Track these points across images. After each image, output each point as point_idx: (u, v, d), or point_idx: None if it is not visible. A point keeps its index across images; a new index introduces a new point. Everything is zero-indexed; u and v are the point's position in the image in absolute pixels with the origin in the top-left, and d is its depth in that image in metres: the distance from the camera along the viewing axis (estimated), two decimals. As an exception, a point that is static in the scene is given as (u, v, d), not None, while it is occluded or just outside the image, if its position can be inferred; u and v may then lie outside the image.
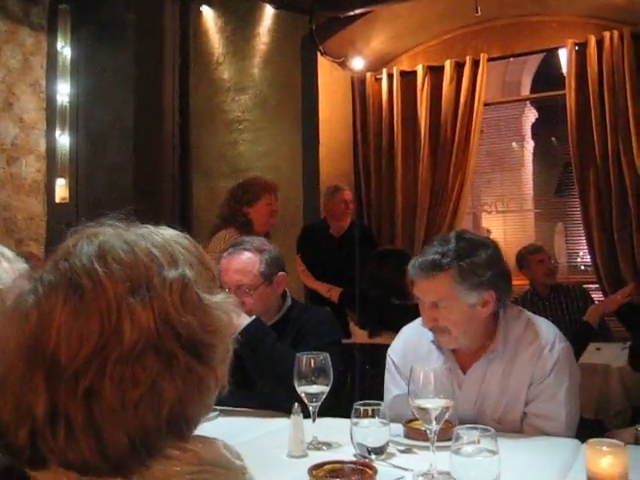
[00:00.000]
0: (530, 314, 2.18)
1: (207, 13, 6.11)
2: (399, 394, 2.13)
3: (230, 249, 2.50)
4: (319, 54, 5.66)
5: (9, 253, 1.46)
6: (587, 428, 2.15)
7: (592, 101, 5.20)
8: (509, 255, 4.40)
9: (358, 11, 5.28)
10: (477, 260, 2.00)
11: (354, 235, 4.74)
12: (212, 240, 3.94)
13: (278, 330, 2.41)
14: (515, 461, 1.66)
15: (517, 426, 2.06)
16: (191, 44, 6.18)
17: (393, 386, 2.24)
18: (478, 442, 1.47)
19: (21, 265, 1.47)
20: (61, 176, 6.00)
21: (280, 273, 2.51)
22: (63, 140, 6.04)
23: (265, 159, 5.85)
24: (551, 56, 6.29)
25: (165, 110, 6.07)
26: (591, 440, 1.59)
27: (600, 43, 5.21)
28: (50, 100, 6.04)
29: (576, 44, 5.32)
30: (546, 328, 2.12)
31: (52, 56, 6.03)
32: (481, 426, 1.50)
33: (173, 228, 0.92)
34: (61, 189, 5.98)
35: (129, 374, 0.76)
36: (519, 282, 4.84)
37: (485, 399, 2.09)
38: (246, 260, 2.44)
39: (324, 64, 5.76)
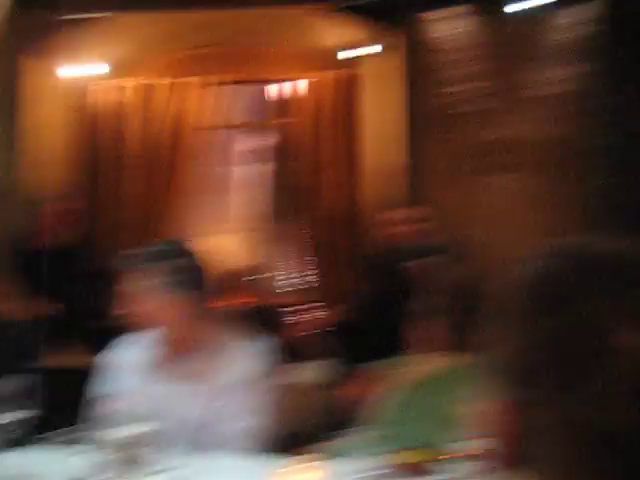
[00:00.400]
0: (235, 330, 2.31)
1: None
2: None
3: None
4: (25, 58, 5.21)
5: None
6: (286, 443, 2.25)
7: (306, 133, 5.54)
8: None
9: (72, 16, 5.00)
10: (175, 263, 2.14)
11: (59, 251, 4.47)
12: None
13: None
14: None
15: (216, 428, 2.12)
16: None
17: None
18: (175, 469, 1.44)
19: None
20: None
21: None
22: None
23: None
24: (275, 86, 6.57)
25: None
26: (292, 458, 1.66)
27: (315, 81, 5.60)
28: None
29: (292, 78, 5.64)
30: (246, 340, 2.27)
31: None
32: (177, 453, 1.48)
33: None
34: None
35: None
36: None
37: (193, 392, 2.16)
38: None
39: (31, 68, 5.31)
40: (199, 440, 2.12)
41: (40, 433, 1.69)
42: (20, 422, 1.73)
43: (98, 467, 1.81)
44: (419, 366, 2.20)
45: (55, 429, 1.62)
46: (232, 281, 4.71)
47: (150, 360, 2.23)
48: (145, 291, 2.12)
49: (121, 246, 5.44)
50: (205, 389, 2.17)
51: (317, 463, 1.60)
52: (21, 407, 1.74)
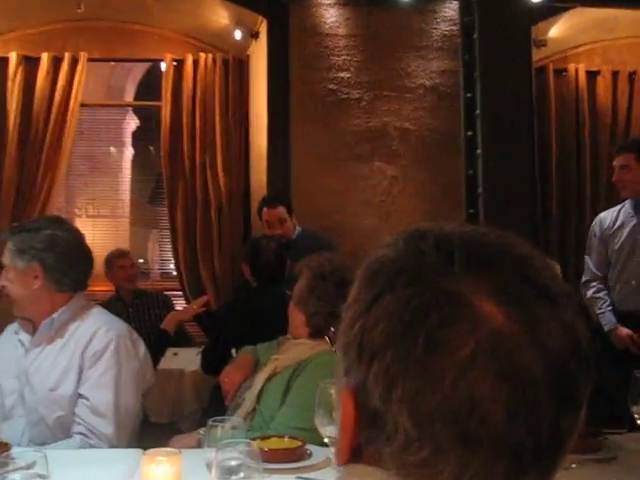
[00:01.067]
0: (98, 309, 2.27)
1: None
2: None
3: None
4: None
5: None
6: (161, 432, 2.22)
7: (185, 116, 5.44)
8: (99, 259, 4.34)
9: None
10: (34, 233, 2.12)
11: None
12: None
13: None
14: (74, 477, 1.60)
15: (71, 401, 2.07)
16: None
17: None
18: (30, 467, 1.38)
19: None
20: None
21: None
22: None
23: None
24: (156, 67, 6.41)
25: None
26: (149, 450, 1.63)
27: (196, 63, 5.49)
28: None
29: (174, 60, 5.52)
30: (105, 317, 2.23)
31: None
32: (33, 449, 1.43)
33: None
34: None
35: None
36: (106, 287, 4.83)
37: (41, 367, 2.10)
38: None
39: None
40: (45, 432, 2.06)
41: None
42: None
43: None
44: (290, 351, 2.22)
45: None
46: (106, 264, 4.60)
47: (18, 344, 2.18)
48: (9, 261, 2.12)
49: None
50: (65, 361, 2.10)
51: (177, 454, 1.58)
52: None
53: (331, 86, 4.88)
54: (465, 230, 0.67)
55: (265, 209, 4.14)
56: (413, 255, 0.65)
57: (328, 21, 4.92)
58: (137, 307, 4.60)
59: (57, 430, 2.06)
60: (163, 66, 5.64)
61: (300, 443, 1.91)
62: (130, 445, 2.06)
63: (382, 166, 4.84)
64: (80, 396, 2.07)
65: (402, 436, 0.60)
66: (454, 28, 4.86)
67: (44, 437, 2.04)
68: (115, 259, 4.62)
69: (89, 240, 5.81)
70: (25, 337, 2.18)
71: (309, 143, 4.83)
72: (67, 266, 2.15)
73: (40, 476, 1.36)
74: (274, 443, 1.91)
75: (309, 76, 4.88)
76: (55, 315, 2.12)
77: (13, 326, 2.27)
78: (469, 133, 4.40)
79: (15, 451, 1.40)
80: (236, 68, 5.54)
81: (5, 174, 5.28)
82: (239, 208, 5.39)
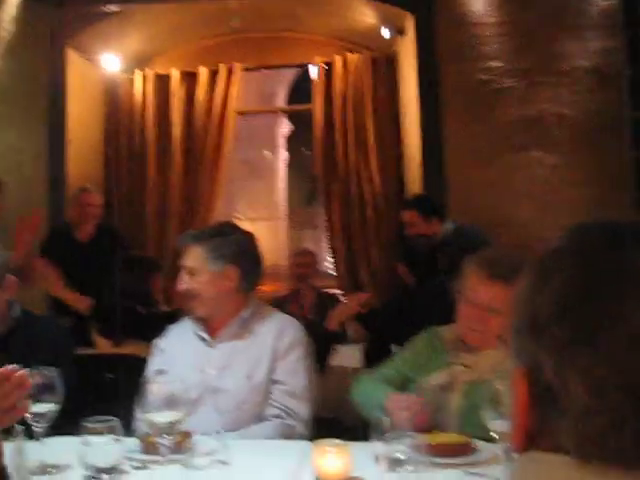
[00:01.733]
0: (270, 306, 2.47)
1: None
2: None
3: None
4: (69, 49, 5.37)
5: None
6: (325, 426, 2.28)
7: (336, 117, 5.54)
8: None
9: (112, 8, 5.10)
10: (225, 240, 2.28)
11: (102, 241, 4.54)
12: None
13: (6, 344, 2.23)
14: (248, 465, 1.69)
15: (264, 387, 2.22)
16: None
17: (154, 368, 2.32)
18: (212, 454, 1.47)
19: None
20: None
21: (10, 277, 2.33)
22: None
23: (7, 155, 5.41)
24: (305, 71, 6.59)
25: None
26: (318, 441, 1.68)
27: (345, 63, 5.57)
28: None
29: (324, 62, 5.64)
30: (288, 317, 2.40)
31: None
32: (215, 437, 1.52)
33: None
34: None
35: None
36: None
37: (233, 360, 2.25)
38: None
39: (75, 60, 5.47)
40: (240, 418, 2.18)
41: (78, 422, 1.73)
42: (45, 414, 1.76)
43: (135, 454, 1.86)
44: (482, 362, 2.12)
45: (101, 414, 1.65)
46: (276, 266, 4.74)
47: (198, 341, 2.33)
48: (200, 265, 2.24)
49: (167, 233, 5.58)
50: (255, 354, 2.25)
51: (345, 445, 1.62)
52: (51, 398, 1.77)
53: (483, 76, 4.76)
54: (635, 221, 0.70)
55: (401, 211, 4.33)
56: (583, 241, 0.68)
57: (476, 9, 4.81)
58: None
59: (250, 416, 2.19)
60: (313, 70, 5.78)
61: (467, 438, 1.89)
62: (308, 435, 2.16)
63: (540, 155, 4.66)
64: (275, 382, 2.23)
65: (579, 407, 0.61)
66: (614, 2, 4.59)
67: (238, 424, 2.16)
68: (294, 257, 4.77)
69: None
70: (203, 334, 2.32)
71: (462, 137, 4.74)
72: (255, 268, 2.35)
73: (221, 462, 1.45)
74: (441, 437, 1.91)
75: (459, 68, 4.79)
76: (243, 314, 2.30)
77: (186, 324, 2.41)
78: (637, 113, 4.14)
79: (198, 438, 1.50)
80: (384, 66, 5.56)
81: (172, 182, 5.64)
82: (394, 206, 5.40)
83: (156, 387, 1.70)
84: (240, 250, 2.30)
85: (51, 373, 1.80)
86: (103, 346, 3.40)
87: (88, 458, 1.64)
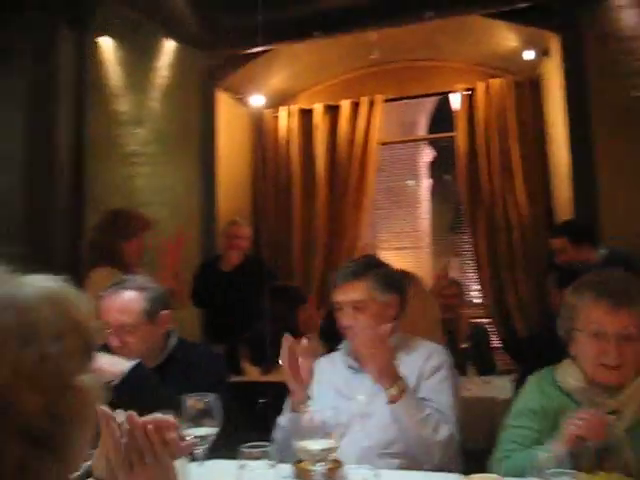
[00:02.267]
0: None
1: (106, 43, 6.01)
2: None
3: (111, 288, 2.43)
4: (218, 90, 5.67)
5: None
6: (476, 458, 2.22)
7: (480, 142, 5.46)
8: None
9: (258, 49, 5.34)
10: (385, 270, 2.37)
11: (248, 271, 4.72)
12: (89, 282, 3.53)
13: (162, 372, 2.36)
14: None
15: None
16: (88, 74, 6.06)
17: None
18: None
19: None
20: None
21: (164, 312, 2.47)
22: (-53, 170, 5.75)
23: (163, 194, 5.77)
24: (445, 98, 6.56)
25: (58, 142, 5.89)
26: (471, 476, 1.64)
27: (487, 89, 5.49)
28: None
29: (466, 89, 5.59)
30: (435, 344, 2.41)
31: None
32: (367, 466, 1.52)
33: (55, 275, 0.83)
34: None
35: None
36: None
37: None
38: (128, 299, 2.39)
39: (224, 100, 5.77)
40: (386, 440, 2.19)
41: (227, 447, 1.79)
42: (206, 437, 1.83)
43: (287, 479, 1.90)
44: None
45: (245, 442, 1.70)
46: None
47: (347, 370, 2.37)
48: (368, 298, 2.28)
49: (312, 264, 5.70)
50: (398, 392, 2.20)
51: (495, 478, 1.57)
52: (210, 423, 1.84)
53: (635, 93, 4.53)
54: None
55: (550, 238, 4.27)
56: None
57: (625, 24, 4.60)
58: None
59: (396, 438, 2.19)
60: (454, 97, 5.74)
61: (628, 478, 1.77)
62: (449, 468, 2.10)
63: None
64: (422, 400, 2.22)
65: None
66: None
67: (385, 445, 2.18)
68: (444, 288, 4.64)
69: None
70: (354, 363, 2.35)
71: (616, 157, 4.52)
72: (406, 296, 2.40)
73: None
74: (603, 478, 1.80)
75: (610, 85, 4.58)
76: (390, 342, 2.27)
77: (334, 355, 2.47)
78: None
79: (350, 467, 1.51)
80: (528, 89, 5.44)
81: (317, 213, 5.77)
82: (542, 231, 5.21)
83: (308, 415, 1.72)
84: (397, 279, 2.38)
85: (209, 398, 1.88)
86: (252, 373, 3.50)
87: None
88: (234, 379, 3.30)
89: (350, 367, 2.37)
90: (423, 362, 2.29)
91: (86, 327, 0.80)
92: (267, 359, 3.51)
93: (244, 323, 4.40)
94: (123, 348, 2.34)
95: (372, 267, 2.35)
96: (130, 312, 2.37)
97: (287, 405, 2.32)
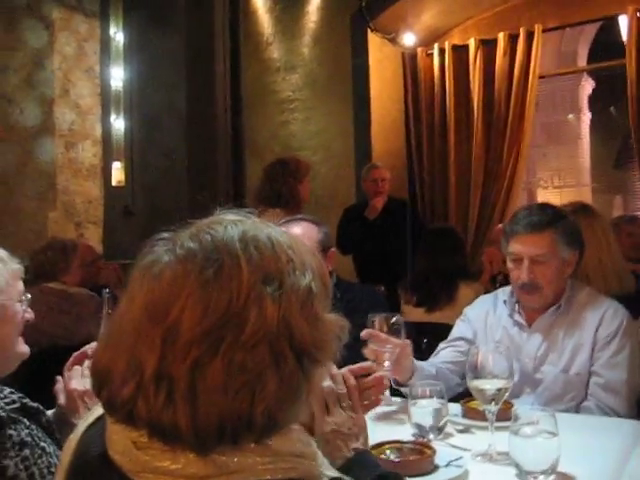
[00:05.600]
0: (588, 290, 2.26)
1: (256, -7, 6.10)
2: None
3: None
4: (369, 31, 5.61)
5: (2, 253, 1.48)
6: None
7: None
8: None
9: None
10: (570, 222, 2.19)
11: (392, 214, 4.72)
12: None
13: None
14: (574, 442, 1.61)
15: (583, 379, 2.11)
16: (241, 25, 6.19)
17: (458, 333, 2.36)
18: (537, 423, 1.45)
19: (15, 266, 1.51)
20: (117, 160, 6.12)
21: (332, 249, 2.53)
22: (118, 124, 6.15)
23: (317, 138, 5.85)
24: (609, 24, 6.10)
25: (217, 92, 6.11)
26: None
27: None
28: (104, 85, 6.14)
29: (637, 10, 5.13)
30: (609, 300, 2.21)
31: (105, 42, 6.13)
32: (540, 407, 1.49)
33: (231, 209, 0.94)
34: (117, 172, 6.10)
35: (239, 359, 0.77)
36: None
37: (549, 350, 2.16)
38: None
39: (374, 41, 5.70)
40: (570, 404, 2.11)
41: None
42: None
43: (457, 418, 1.91)
44: None
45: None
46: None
47: (512, 324, 2.26)
48: (551, 252, 2.13)
49: (469, 205, 5.60)
50: (573, 343, 2.15)
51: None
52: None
53: None
54: None
55: None
56: None
57: None
58: None
59: (567, 409, 2.09)
60: (622, 21, 5.31)
61: None
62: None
63: None
64: (592, 373, 2.10)
65: None
66: None
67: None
68: (624, 224, 4.15)
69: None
70: (521, 319, 2.25)
71: None
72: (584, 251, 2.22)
73: (548, 432, 1.42)
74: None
75: None
76: (562, 300, 2.18)
77: (498, 300, 2.35)
78: None
79: (522, 408, 1.50)
80: None
81: (474, 152, 5.61)
82: None
83: (480, 354, 1.71)
84: (580, 233, 2.20)
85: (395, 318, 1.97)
86: (414, 314, 3.51)
87: (416, 418, 1.73)
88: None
89: (517, 323, 2.26)
90: (598, 326, 2.12)
91: (327, 279, 0.91)
92: (430, 300, 3.51)
93: (399, 265, 4.43)
94: None
95: (557, 219, 2.16)
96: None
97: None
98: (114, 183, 6.08)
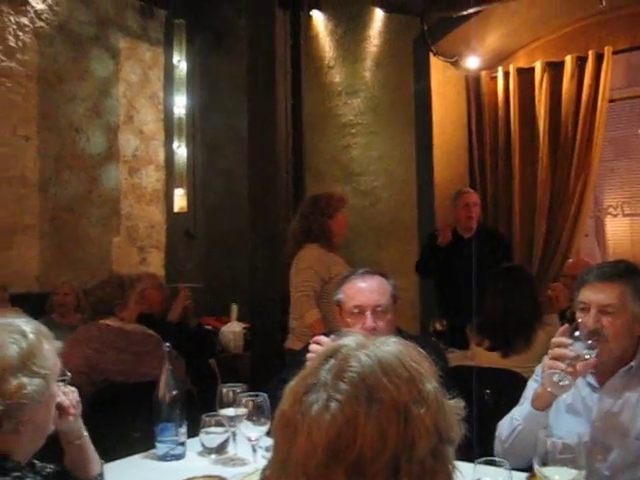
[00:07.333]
0: None
1: (317, 17, 6.10)
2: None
3: (356, 272, 2.50)
4: (431, 55, 5.53)
5: (45, 330, 1.49)
6: None
7: None
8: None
9: (471, 10, 5.11)
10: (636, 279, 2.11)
11: (481, 240, 4.54)
12: (300, 258, 3.90)
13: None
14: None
15: None
16: (302, 49, 6.20)
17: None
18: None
19: (57, 343, 1.52)
20: (179, 186, 6.20)
21: (398, 301, 2.48)
22: (180, 150, 6.23)
23: (378, 163, 5.80)
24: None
25: (278, 116, 6.11)
26: None
27: None
28: (167, 111, 6.24)
29: None
30: None
31: (169, 69, 6.23)
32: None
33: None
34: (179, 198, 6.18)
35: (416, 472, 0.90)
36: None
37: (622, 414, 2.04)
38: (379, 281, 2.44)
39: (436, 64, 5.63)
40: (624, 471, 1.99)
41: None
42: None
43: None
44: None
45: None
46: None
47: (584, 384, 2.14)
48: (621, 304, 2.05)
49: (534, 230, 5.44)
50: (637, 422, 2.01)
51: None
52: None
53: None
54: None
55: None
56: None
57: None
58: None
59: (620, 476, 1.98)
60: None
61: None
62: None
63: None
64: None
65: None
66: None
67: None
68: None
69: (628, 241, 5.54)
70: (592, 379, 2.13)
71: None
72: None
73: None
74: None
75: None
76: (634, 362, 2.07)
77: None
78: None
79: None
80: None
81: (539, 178, 5.46)
82: None
83: (550, 441, 1.62)
84: None
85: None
86: (484, 358, 3.34)
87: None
88: (459, 363, 3.23)
89: (588, 384, 2.13)
90: None
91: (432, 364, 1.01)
92: (505, 345, 3.33)
93: (473, 299, 4.25)
94: (374, 330, 2.32)
95: (630, 272, 2.10)
96: (384, 293, 2.41)
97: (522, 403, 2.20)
98: (176, 209, 6.16)
